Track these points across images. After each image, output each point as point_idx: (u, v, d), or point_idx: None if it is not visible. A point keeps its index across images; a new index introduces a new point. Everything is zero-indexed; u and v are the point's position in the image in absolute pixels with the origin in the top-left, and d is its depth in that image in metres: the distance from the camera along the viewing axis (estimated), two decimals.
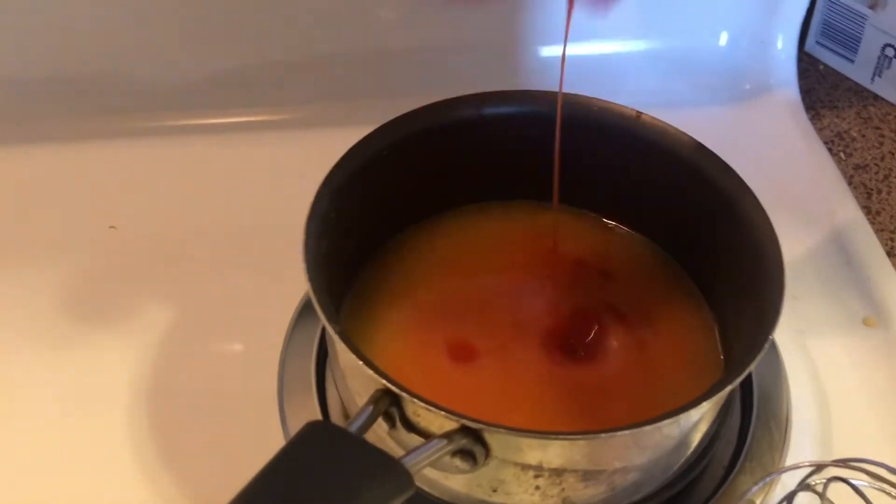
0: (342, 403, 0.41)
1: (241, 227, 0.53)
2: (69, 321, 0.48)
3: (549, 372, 0.40)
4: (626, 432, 0.32)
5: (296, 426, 0.38)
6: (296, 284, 0.36)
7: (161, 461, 0.42)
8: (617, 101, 0.44)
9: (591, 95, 0.44)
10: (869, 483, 0.36)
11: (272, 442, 0.31)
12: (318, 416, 0.42)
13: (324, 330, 0.44)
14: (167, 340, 0.47)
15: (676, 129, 0.43)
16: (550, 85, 0.44)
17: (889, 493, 0.36)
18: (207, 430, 0.44)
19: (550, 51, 0.61)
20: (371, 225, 0.44)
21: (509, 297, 0.43)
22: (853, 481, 0.35)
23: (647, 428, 0.32)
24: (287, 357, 0.45)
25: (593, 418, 0.39)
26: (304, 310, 0.47)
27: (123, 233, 0.53)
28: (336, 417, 0.42)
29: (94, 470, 0.42)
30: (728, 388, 0.34)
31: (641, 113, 0.44)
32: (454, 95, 0.44)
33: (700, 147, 0.42)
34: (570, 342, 0.42)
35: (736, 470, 0.42)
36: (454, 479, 0.35)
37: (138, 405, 0.44)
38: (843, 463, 0.37)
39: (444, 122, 0.43)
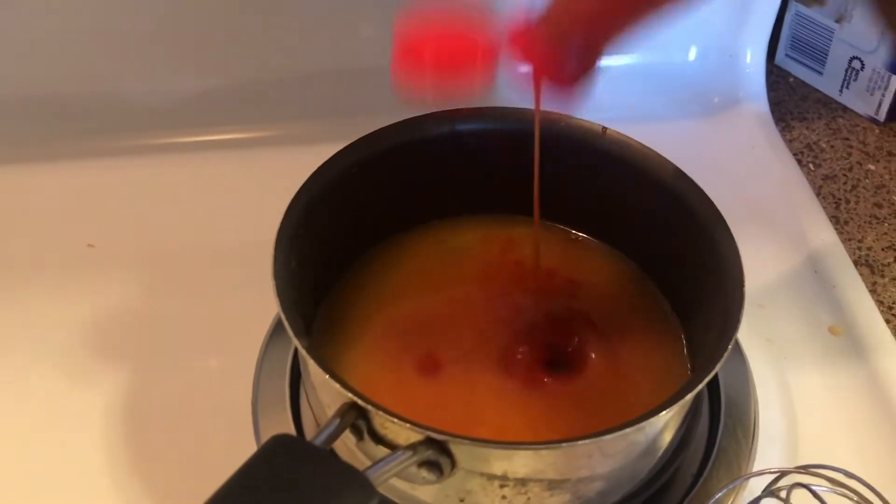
0: (315, 418, 0.42)
1: (219, 244, 0.54)
2: (45, 338, 0.49)
3: (518, 384, 0.41)
4: (589, 441, 0.33)
5: None
6: (271, 300, 0.37)
7: (136, 476, 0.43)
8: (586, 116, 0.45)
9: (561, 110, 0.45)
10: (829, 488, 0.37)
11: (246, 457, 0.31)
12: (292, 430, 0.43)
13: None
14: (143, 357, 0.48)
15: (641, 144, 0.44)
16: (525, 102, 0.44)
17: (848, 497, 0.36)
18: (183, 445, 0.44)
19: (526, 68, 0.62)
20: (342, 240, 0.44)
21: (478, 310, 0.44)
22: (814, 487, 0.36)
23: (609, 437, 0.33)
24: (261, 373, 0.45)
25: (560, 429, 0.39)
26: (279, 326, 0.47)
27: (101, 251, 0.54)
28: (309, 432, 0.43)
29: (68, 485, 0.43)
30: (690, 395, 0.35)
31: (607, 128, 0.44)
32: (433, 111, 0.44)
33: (663, 160, 0.43)
34: (539, 354, 0.42)
35: (703, 477, 0.42)
36: (422, 490, 0.36)
37: (113, 421, 0.45)
38: (805, 469, 0.37)
39: (412, 139, 0.44)
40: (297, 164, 0.42)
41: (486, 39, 0.35)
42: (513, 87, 0.35)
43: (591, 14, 0.32)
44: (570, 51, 0.33)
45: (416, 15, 0.35)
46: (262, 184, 0.57)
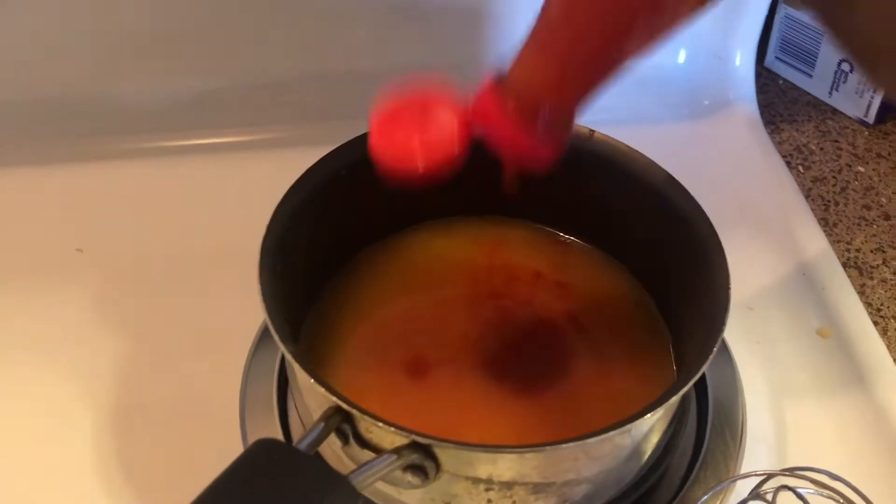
0: (302, 422, 0.42)
1: (208, 248, 0.54)
2: (34, 342, 0.49)
3: (505, 387, 0.41)
4: (573, 444, 0.33)
5: None
6: (259, 304, 0.37)
7: (124, 479, 0.43)
8: (577, 119, 0.45)
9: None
10: (814, 490, 0.37)
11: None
12: (279, 434, 0.43)
13: None
14: (131, 361, 0.48)
15: (628, 147, 0.44)
16: None
17: (834, 500, 0.37)
18: (170, 448, 0.44)
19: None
20: (330, 244, 0.44)
21: (466, 313, 0.44)
22: (799, 489, 0.36)
23: (594, 440, 0.33)
24: (249, 376, 0.45)
25: (547, 432, 0.39)
26: (267, 330, 0.47)
27: (90, 255, 0.54)
28: (297, 435, 0.43)
29: (56, 487, 0.43)
30: (675, 398, 0.35)
31: (594, 131, 0.44)
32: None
33: (650, 163, 0.43)
34: (526, 357, 0.42)
35: (691, 480, 0.42)
36: (408, 494, 0.36)
37: (102, 424, 0.45)
38: (791, 472, 0.37)
39: None
40: (288, 167, 0.42)
41: (459, 108, 0.35)
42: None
43: (557, 81, 0.33)
44: (540, 119, 0.34)
45: (392, 92, 0.36)
46: (252, 187, 0.57)
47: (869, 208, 0.61)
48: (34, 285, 0.52)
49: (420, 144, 0.35)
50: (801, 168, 0.64)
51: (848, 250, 0.58)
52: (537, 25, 0.32)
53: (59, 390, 0.46)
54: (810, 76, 0.69)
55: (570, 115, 0.34)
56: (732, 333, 0.48)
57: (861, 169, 0.64)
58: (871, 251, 0.58)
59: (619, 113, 0.61)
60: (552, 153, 0.35)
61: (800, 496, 0.35)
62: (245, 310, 0.46)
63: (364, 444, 0.34)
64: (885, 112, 0.67)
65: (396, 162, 0.35)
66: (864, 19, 0.27)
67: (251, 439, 0.43)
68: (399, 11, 0.60)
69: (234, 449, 0.42)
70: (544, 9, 0.32)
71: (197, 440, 0.44)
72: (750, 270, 0.53)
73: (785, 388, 0.48)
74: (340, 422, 0.34)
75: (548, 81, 0.33)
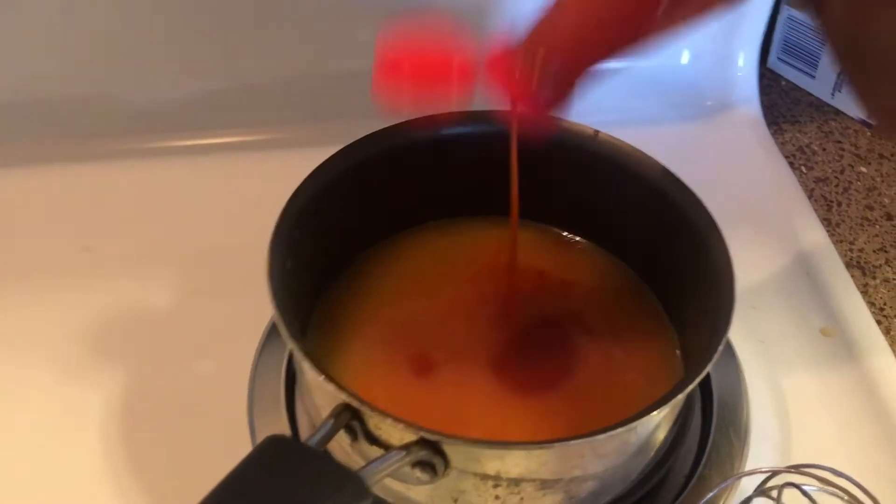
0: (310, 419, 0.42)
1: (214, 247, 0.54)
2: (41, 341, 0.49)
3: (511, 384, 0.41)
4: (581, 441, 0.33)
5: None
6: (267, 302, 0.37)
7: (132, 477, 0.43)
8: (579, 119, 0.45)
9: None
10: (820, 488, 0.37)
11: (241, 458, 0.32)
12: (287, 431, 0.43)
13: None
14: (139, 359, 0.48)
15: (632, 147, 0.44)
16: None
17: (839, 497, 0.37)
18: (179, 446, 0.44)
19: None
20: (337, 243, 0.45)
21: (473, 312, 0.44)
22: (805, 486, 0.37)
23: (601, 437, 0.33)
24: (257, 374, 0.46)
25: (553, 429, 0.40)
26: (275, 327, 0.47)
27: (98, 254, 0.54)
28: (305, 433, 0.43)
29: (65, 486, 0.43)
30: (681, 395, 0.35)
31: (599, 131, 0.45)
32: (428, 115, 0.45)
33: (654, 163, 0.43)
34: (532, 355, 0.43)
35: (696, 477, 0.43)
36: (416, 491, 0.36)
37: (110, 422, 0.45)
38: (796, 469, 0.38)
39: (406, 142, 0.44)
40: (293, 166, 0.42)
41: (465, 57, 0.36)
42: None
43: (567, 43, 0.33)
44: (545, 79, 0.34)
45: (398, 31, 0.36)
46: (257, 186, 0.57)
47: (871, 209, 0.61)
48: (42, 284, 0.52)
49: (420, 84, 0.36)
50: (803, 168, 0.64)
51: (851, 250, 0.58)
52: None
53: (66, 389, 0.47)
54: (813, 77, 0.70)
55: (573, 81, 0.35)
56: (736, 332, 0.49)
57: (864, 169, 0.64)
58: (874, 251, 0.58)
59: (622, 113, 0.62)
60: (550, 115, 0.35)
61: (805, 493, 0.36)
62: (252, 308, 0.47)
63: (373, 440, 0.34)
64: None
65: (398, 99, 0.36)
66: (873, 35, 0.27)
67: (259, 436, 0.43)
68: (402, 11, 0.60)
69: (242, 446, 0.43)
70: None
71: (205, 438, 0.44)
72: (753, 270, 0.54)
73: (788, 387, 0.48)
74: (349, 418, 0.34)
75: (558, 43, 0.33)
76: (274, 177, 0.45)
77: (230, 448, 0.43)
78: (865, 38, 0.27)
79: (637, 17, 0.31)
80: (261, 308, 0.47)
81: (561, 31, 0.33)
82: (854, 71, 0.29)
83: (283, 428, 0.43)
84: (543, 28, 0.34)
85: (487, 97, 0.36)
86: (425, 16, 0.37)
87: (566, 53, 0.33)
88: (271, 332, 0.47)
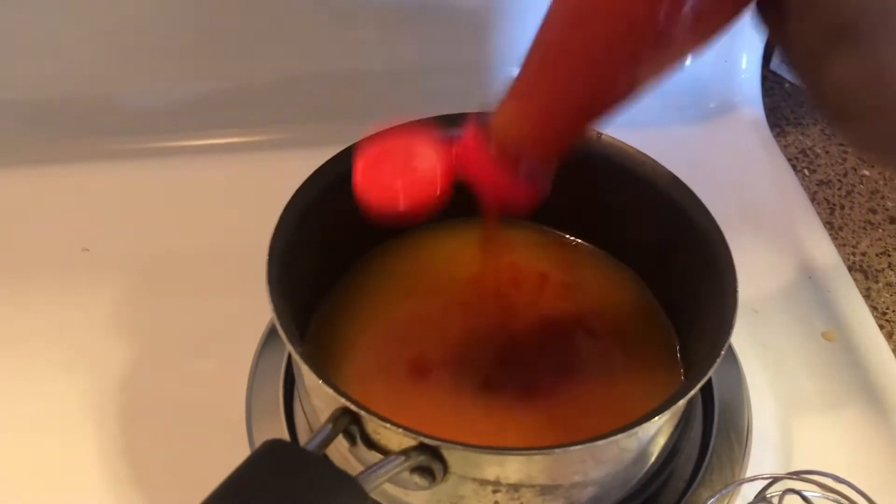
0: (308, 422, 0.42)
1: (214, 248, 0.54)
2: (39, 342, 0.49)
3: (511, 388, 0.41)
4: (581, 447, 0.33)
5: None
6: (265, 304, 0.37)
7: (130, 480, 0.43)
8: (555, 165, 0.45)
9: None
10: (820, 494, 0.37)
11: (240, 461, 0.31)
12: (286, 434, 0.43)
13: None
14: (138, 361, 0.48)
15: (635, 149, 0.44)
16: None
17: (839, 502, 0.37)
18: (177, 449, 0.44)
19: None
20: (337, 245, 0.45)
21: (472, 314, 0.44)
22: (806, 493, 0.36)
23: (601, 442, 0.33)
24: (256, 376, 0.46)
25: (553, 434, 0.39)
26: (274, 330, 0.47)
27: (97, 255, 0.54)
28: (303, 436, 0.43)
29: (62, 487, 0.43)
30: (682, 401, 0.35)
31: (602, 133, 0.45)
32: (430, 115, 0.45)
33: (657, 166, 0.43)
34: (532, 358, 0.42)
35: (697, 482, 0.42)
36: (415, 496, 0.36)
37: (108, 424, 0.45)
38: (797, 475, 0.37)
39: None
40: (293, 167, 0.42)
41: (442, 152, 0.36)
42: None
43: (533, 134, 0.33)
44: (521, 166, 0.34)
45: (376, 135, 0.37)
46: (257, 188, 0.57)
47: (874, 212, 0.61)
48: (41, 284, 0.52)
49: (403, 186, 0.36)
50: (806, 171, 0.64)
51: (853, 254, 0.58)
52: (520, 74, 0.32)
53: (65, 390, 0.46)
54: None
55: (549, 164, 0.35)
56: (738, 336, 0.48)
57: (866, 172, 0.64)
58: (877, 255, 0.58)
59: (624, 115, 0.62)
60: (531, 198, 0.35)
61: (806, 499, 0.36)
62: (251, 310, 0.47)
63: (372, 445, 0.34)
64: None
65: (380, 202, 0.36)
66: (836, 79, 0.27)
67: (257, 440, 0.43)
68: (406, 12, 0.60)
69: (240, 449, 0.43)
70: (527, 58, 0.32)
71: (203, 440, 0.44)
72: (755, 273, 0.53)
73: (790, 391, 0.48)
74: (348, 423, 0.34)
75: (527, 133, 0.33)
76: (274, 177, 0.45)
77: (228, 451, 0.42)
78: (824, 76, 0.27)
79: (601, 94, 0.31)
80: (260, 309, 0.47)
81: (526, 122, 0.33)
82: (821, 104, 0.29)
83: (282, 431, 0.43)
84: (509, 117, 0.33)
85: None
86: (399, 118, 0.37)
87: (534, 145, 0.33)
88: (271, 335, 0.47)
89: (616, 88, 0.31)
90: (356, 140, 0.43)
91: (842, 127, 0.29)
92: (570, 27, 0.30)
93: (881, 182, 0.63)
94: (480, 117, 0.34)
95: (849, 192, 0.62)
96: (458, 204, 0.47)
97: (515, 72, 0.34)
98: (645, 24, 0.28)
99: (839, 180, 0.63)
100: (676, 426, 0.41)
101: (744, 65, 0.66)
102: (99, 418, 0.45)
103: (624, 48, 0.29)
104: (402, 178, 0.36)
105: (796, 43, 0.28)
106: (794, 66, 0.29)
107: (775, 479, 0.38)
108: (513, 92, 0.33)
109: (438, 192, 0.35)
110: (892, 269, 0.57)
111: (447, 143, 0.36)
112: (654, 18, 0.28)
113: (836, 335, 0.51)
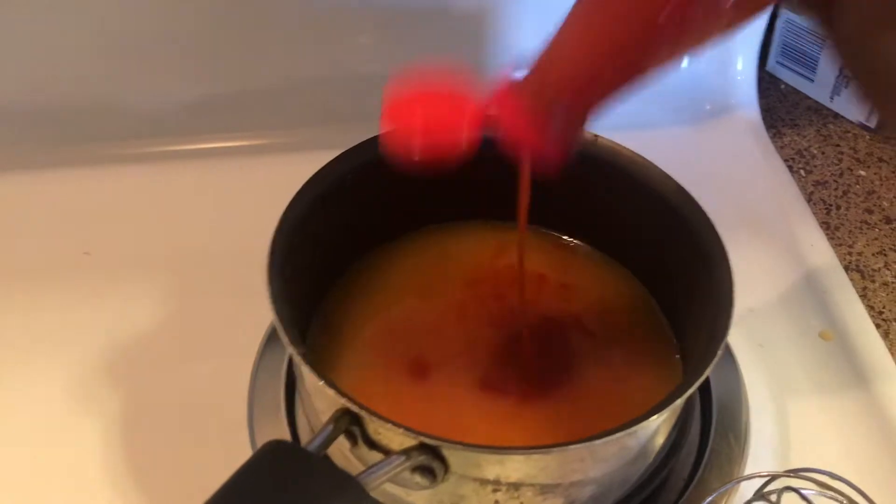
0: (310, 423, 0.42)
1: (214, 251, 0.54)
2: (42, 345, 0.49)
3: (511, 387, 0.41)
4: (580, 446, 0.33)
5: None
6: (266, 306, 0.37)
7: (132, 481, 0.43)
8: (587, 124, 0.45)
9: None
10: (817, 491, 0.37)
11: (242, 462, 0.32)
12: (287, 435, 0.43)
13: None
14: (139, 364, 0.48)
15: (632, 152, 0.44)
16: None
17: (837, 500, 0.37)
18: (179, 450, 0.44)
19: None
20: (336, 248, 0.45)
21: (472, 315, 0.44)
22: (803, 490, 0.37)
23: (601, 441, 0.33)
24: (257, 379, 0.46)
25: (552, 432, 0.40)
26: (275, 331, 0.47)
27: (98, 258, 0.54)
28: (304, 436, 0.43)
29: (64, 491, 0.43)
30: (680, 400, 0.35)
31: (598, 136, 0.45)
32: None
33: (653, 168, 0.43)
34: (531, 358, 0.43)
35: (695, 481, 0.43)
36: (416, 496, 0.36)
37: (110, 427, 0.45)
38: (795, 473, 0.38)
39: None
40: (293, 170, 0.42)
41: (474, 100, 0.35)
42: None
43: (575, 83, 0.33)
44: (554, 119, 0.34)
45: (406, 76, 0.36)
46: (257, 190, 0.57)
47: (870, 212, 0.61)
48: (42, 288, 0.52)
49: (429, 130, 0.35)
50: (802, 172, 0.64)
51: (850, 254, 0.58)
52: (561, 27, 0.32)
53: (66, 393, 0.47)
54: (812, 80, 0.70)
55: (582, 119, 0.34)
56: (735, 336, 0.49)
57: (862, 173, 0.64)
58: (873, 255, 0.58)
59: (621, 117, 0.61)
60: (561, 154, 0.35)
61: (803, 497, 0.36)
62: (252, 312, 0.47)
63: (373, 445, 0.34)
64: None
65: (404, 146, 0.36)
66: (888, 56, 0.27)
67: (259, 440, 0.43)
68: (403, 15, 0.60)
69: (242, 450, 0.43)
70: (570, 12, 0.32)
71: (205, 442, 0.44)
72: (752, 273, 0.53)
73: (787, 391, 0.48)
74: (349, 423, 0.34)
75: (564, 83, 0.33)
76: (273, 180, 0.45)
77: (230, 452, 0.43)
78: (875, 54, 0.27)
79: (641, 45, 0.31)
80: (261, 311, 0.47)
81: (565, 67, 0.32)
82: (866, 83, 0.29)
83: (283, 431, 0.43)
84: (547, 64, 0.33)
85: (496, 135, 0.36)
86: (431, 59, 0.36)
87: (574, 93, 0.33)
88: (271, 336, 0.48)
89: (660, 44, 0.31)
90: (355, 143, 0.43)
91: (890, 109, 0.29)
92: None
93: (877, 182, 0.64)
94: (514, 69, 0.34)
95: (845, 193, 0.63)
96: (458, 206, 0.48)
97: (515, 76, 0.34)
98: None
99: (835, 181, 0.64)
100: (675, 425, 0.41)
101: (739, 66, 0.67)
102: (100, 421, 0.45)
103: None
104: (430, 121, 0.35)
105: (845, 21, 0.28)
106: (840, 44, 0.29)
107: (773, 477, 0.39)
108: (552, 44, 0.33)
109: (464, 141, 0.35)
110: (888, 269, 0.57)
111: (479, 92, 0.35)
112: None
113: (832, 335, 0.51)
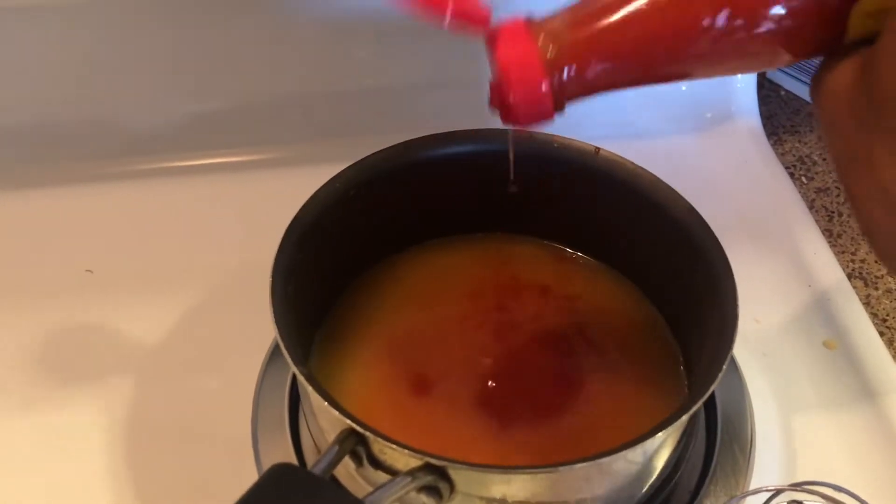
0: (314, 441, 0.42)
1: (217, 268, 0.54)
2: (46, 363, 0.49)
3: (515, 403, 0.41)
4: (586, 464, 0.33)
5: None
6: (269, 322, 0.38)
7: (136, 499, 0.43)
8: (580, 133, 0.45)
9: (556, 129, 0.45)
10: None
11: (247, 482, 0.32)
12: (292, 455, 0.43)
13: None
14: (142, 381, 0.48)
15: (633, 164, 0.44)
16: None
17: None
18: (183, 468, 0.44)
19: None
20: (339, 263, 0.45)
21: (475, 330, 0.44)
22: None
23: (606, 459, 0.33)
24: (261, 395, 0.46)
25: (558, 449, 0.40)
26: (278, 348, 0.47)
27: (100, 276, 0.54)
28: (309, 456, 0.43)
29: None
30: (685, 416, 0.35)
31: (600, 148, 0.45)
32: (428, 132, 0.45)
33: (655, 180, 0.43)
34: (535, 372, 0.43)
35: (701, 494, 0.43)
36: None
37: (114, 445, 0.45)
38: (800, 486, 0.38)
39: (405, 162, 0.44)
40: (295, 185, 0.42)
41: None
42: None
43: (599, 54, 0.31)
44: (557, 76, 0.32)
45: None
46: (258, 206, 0.57)
47: None
48: (45, 306, 0.52)
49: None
50: (804, 179, 0.64)
51: (853, 261, 0.58)
52: None
53: (70, 409, 0.47)
54: None
55: (580, 90, 0.33)
56: (739, 346, 0.48)
57: None
58: (876, 261, 0.58)
59: (621, 127, 0.62)
60: (545, 110, 0.33)
61: None
62: (255, 328, 0.47)
63: (378, 465, 0.34)
64: None
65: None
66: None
67: (264, 459, 0.43)
68: (403, 29, 0.60)
69: (246, 468, 0.43)
70: None
71: (209, 459, 0.44)
72: (754, 282, 0.53)
73: (792, 400, 0.48)
74: (355, 444, 0.34)
75: (581, 44, 0.32)
76: (275, 196, 0.45)
77: (234, 470, 0.43)
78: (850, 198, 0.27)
79: (682, 43, 0.30)
80: (264, 328, 0.47)
81: (597, 34, 0.31)
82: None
83: (288, 450, 0.43)
84: (579, 23, 0.32)
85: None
86: None
87: (594, 61, 0.32)
88: (275, 353, 0.47)
89: (692, 42, 0.30)
90: (355, 158, 0.43)
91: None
92: None
93: None
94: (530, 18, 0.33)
95: (847, 199, 0.63)
96: (458, 220, 0.48)
97: None
98: None
99: (837, 187, 0.64)
100: (680, 439, 0.41)
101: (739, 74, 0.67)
102: (104, 438, 0.45)
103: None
104: None
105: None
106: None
107: (778, 491, 0.39)
108: (579, 6, 0.32)
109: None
110: (891, 276, 0.57)
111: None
112: None
113: (836, 343, 0.51)
